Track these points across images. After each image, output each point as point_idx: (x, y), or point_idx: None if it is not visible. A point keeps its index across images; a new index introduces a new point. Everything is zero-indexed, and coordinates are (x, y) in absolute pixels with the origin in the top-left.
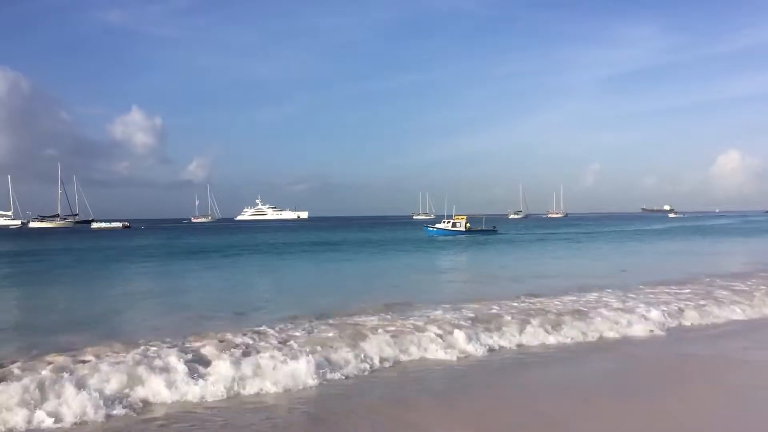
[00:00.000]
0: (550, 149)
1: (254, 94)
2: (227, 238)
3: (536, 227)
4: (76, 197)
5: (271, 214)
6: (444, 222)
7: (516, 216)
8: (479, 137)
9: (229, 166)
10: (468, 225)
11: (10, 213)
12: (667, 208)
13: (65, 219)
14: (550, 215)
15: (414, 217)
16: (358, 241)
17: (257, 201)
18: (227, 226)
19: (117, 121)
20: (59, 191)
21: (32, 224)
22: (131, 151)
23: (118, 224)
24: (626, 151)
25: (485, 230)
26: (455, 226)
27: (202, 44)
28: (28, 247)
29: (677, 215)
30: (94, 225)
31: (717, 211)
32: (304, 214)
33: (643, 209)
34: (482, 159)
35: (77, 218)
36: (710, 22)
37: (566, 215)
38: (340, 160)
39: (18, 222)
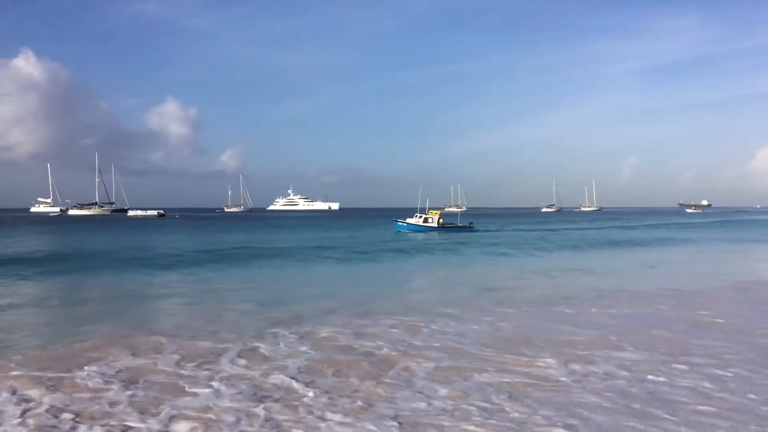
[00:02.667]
0: (583, 143)
1: (286, 86)
2: (268, 235)
3: (551, 222)
4: (113, 186)
5: (303, 205)
6: (416, 217)
7: (549, 210)
8: (511, 130)
9: (261, 156)
10: (441, 221)
11: (49, 200)
12: (705, 203)
13: (102, 207)
14: (582, 209)
15: (445, 209)
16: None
17: (289, 191)
18: (260, 216)
19: (153, 111)
20: (97, 180)
21: (71, 212)
22: (166, 141)
23: (153, 213)
24: (663, 144)
25: (460, 227)
26: (427, 222)
27: (236, 35)
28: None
29: (696, 210)
30: (130, 213)
31: (758, 207)
32: (335, 205)
33: (680, 204)
34: (514, 152)
35: (114, 206)
36: (749, 13)
37: (600, 209)
38: (371, 152)
39: (57, 209)
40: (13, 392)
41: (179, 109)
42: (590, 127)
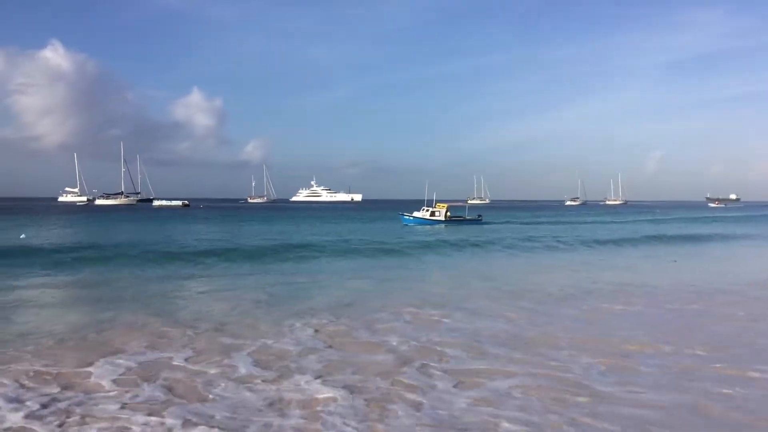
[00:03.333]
0: (609, 136)
1: (310, 77)
2: (289, 226)
3: (573, 215)
4: (139, 176)
5: (326, 196)
6: (423, 210)
7: (573, 203)
8: (536, 122)
9: (284, 147)
10: (448, 214)
11: (76, 190)
12: (732, 197)
13: (128, 197)
14: (608, 202)
15: (468, 202)
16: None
17: (312, 183)
18: (283, 207)
19: (178, 102)
20: (123, 170)
21: (98, 201)
22: (191, 132)
23: (178, 203)
24: (690, 138)
25: (468, 219)
26: (434, 215)
27: (261, 27)
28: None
29: (719, 205)
30: (156, 203)
31: None
32: (358, 197)
33: (707, 198)
34: (539, 144)
35: (139, 196)
36: None
37: (625, 203)
38: (394, 144)
39: (84, 199)
40: (21, 386)
41: (204, 100)
42: (615, 120)
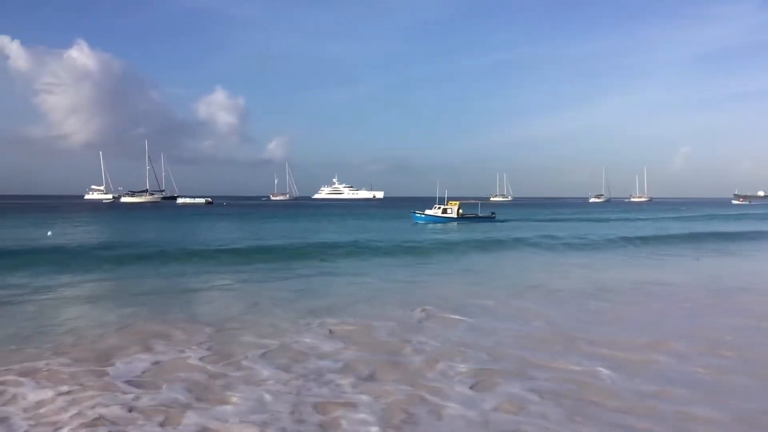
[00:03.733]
0: (634, 131)
1: (332, 74)
2: (311, 224)
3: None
4: (163, 174)
5: (347, 194)
6: (435, 208)
7: (597, 200)
8: (560, 118)
9: (307, 145)
10: (460, 211)
11: (102, 188)
12: (761, 194)
13: (153, 194)
14: (632, 199)
15: (491, 199)
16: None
17: (334, 180)
18: (305, 204)
19: (202, 101)
20: (147, 168)
21: (123, 199)
22: (215, 130)
23: (202, 200)
24: (718, 134)
25: (481, 217)
26: (446, 213)
27: (283, 24)
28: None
29: (743, 202)
30: (180, 200)
31: None
32: (379, 194)
33: (735, 195)
34: (563, 141)
35: (164, 194)
36: None
37: (650, 200)
38: (416, 141)
39: (110, 196)
40: (37, 384)
41: (227, 98)
42: (641, 116)
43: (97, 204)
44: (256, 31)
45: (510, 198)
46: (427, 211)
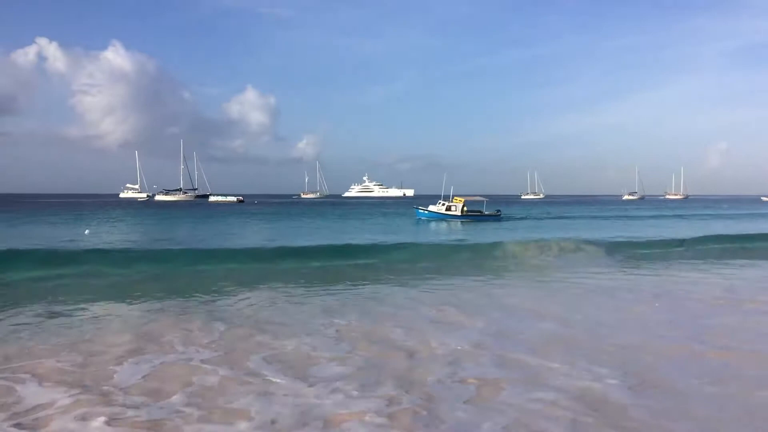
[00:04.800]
0: (670, 127)
1: (363, 73)
2: (339, 223)
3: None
4: (196, 172)
5: (378, 192)
6: (439, 204)
7: (631, 197)
8: (593, 115)
9: (337, 143)
10: (465, 209)
11: (137, 186)
12: None
13: (186, 193)
14: (668, 197)
15: (522, 197)
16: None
17: (364, 178)
18: (335, 202)
19: (233, 100)
20: (181, 167)
21: (157, 197)
22: (246, 129)
23: (233, 198)
24: (758, 129)
25: (486, 215)
26: (450, 210)
27: (313, 23)
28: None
29: None
30: (212, 199)
31: None
32: (409, 192)
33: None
34: (596, 137)
35: (196, 192)
36: None
37: (686, 197)
38: (448, 138)
39: (144, 195)
40: (40, 383)
41: (259, 97)
42: (676, 111)
43: (131, 202)
44: (287, 30)
45: (542, 196)
46: (431, 207)
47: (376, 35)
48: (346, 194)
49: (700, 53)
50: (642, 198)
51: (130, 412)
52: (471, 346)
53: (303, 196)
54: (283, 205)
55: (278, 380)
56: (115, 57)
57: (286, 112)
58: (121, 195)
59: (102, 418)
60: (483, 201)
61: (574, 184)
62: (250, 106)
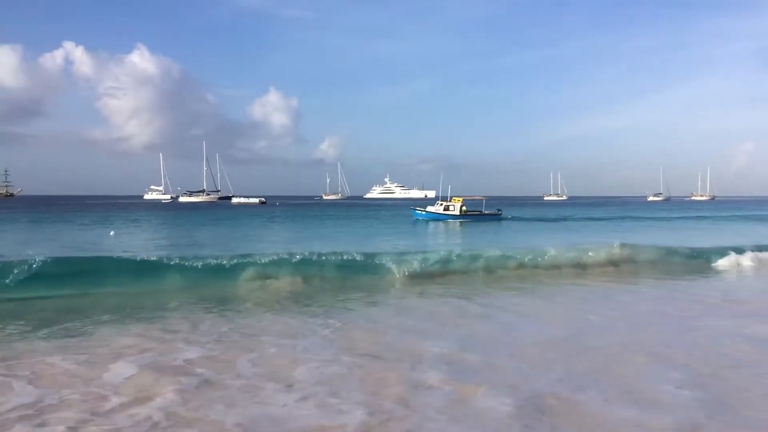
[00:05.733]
0: (695, 127)
1: (383, 74)
2: (363, 228)
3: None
4: (218, 174)
5: (399, 193)
6: (437, 204)
7: (655, 198)
8: (615, 115)
9: (359, 144)
10: (464, 209)
11: (161, 188)
12: None
13: (209, 195)
14: (693, 198)
15: (545, 198)
16: None
17: (386, 179)
18: (356, 204)
19: (256, 102)
20: (204, 168)
21: (181, 199)
22: (268, 131)
23: (256, 200)
24: None
25: (486, 215)
26: (448, 210)
27: (336, 25)
28: None
29: None
30: (234, 200)
31: None
32: (431, 193)
33: None
34: (619, 138)
35: (219, 194)
36: None
37: (713, 198)
38: (469, 139)
39: (168, 196)
40: (29, 382)
41: (281, 99)
42: (701, 111)
43: (156, 204)
44: (309, 32)
45: (564, 197)
46: (429, 208)
47: (397, 36)
48: (368, 195)
49: (726, 52)
50: (667, 199)
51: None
52: None
53: (324, 197)
54: (306, 207)
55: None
56: (140, 60)
57: (308, 113)
58: (146, 197)
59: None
60: (482, 200)
61: (597, 185)
62: (272, 108)
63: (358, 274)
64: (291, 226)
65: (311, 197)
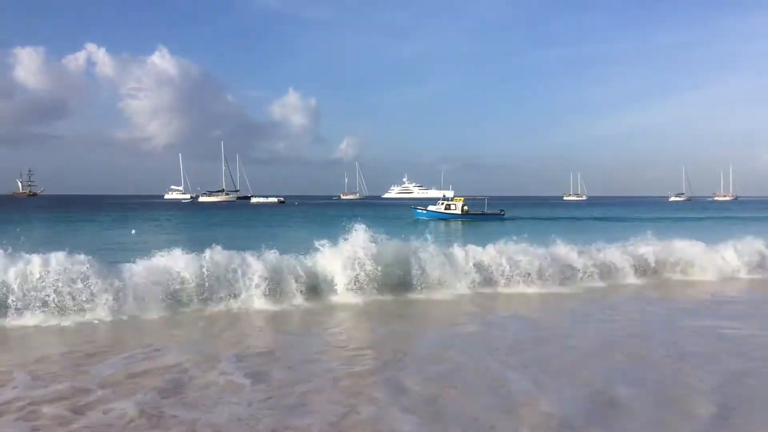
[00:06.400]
0: (718, 126)
1: (402, 74)
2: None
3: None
4: (238, 174)
5: (417, 193)
6: (439, 203)
7: (677, 198)
8: (637, 114)
9: (377, 144)
10: (465, 208)
11: (181, 188)
12: None
13: (228, 194)
14: (716, 198)
15: (565, 198)
16: None
17: (404, 179)
18: (373, 203)
19: (275, 102)
20: (223, 168)
21: (201, 198)
22: (287, 131)
23: (274, 200)
24: None
25: (488, 215)
26: (449, 209)
27: (354, 25)
28: None
29: None
30: (253, 200)
31: None
32: (449, 193)
33: None
34: (641, 137)
35: (238, 193)
36: None
37: (736, 198)
38: (488, 139)
39: (188, 196)
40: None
41: (300, 100)
42: (725, 110)
43: (176, 203)
44: (328, 33)
45: (584, 197)
46: (430, 207)
47: (416, 36)
48: (386, 195)
49: (752, 50)
50: (689, 199)
51: None
52: None
53: (343, 197)
54: (324, 206)
55: None
56: (161, 61)
57: (326, 113)
58: (166, 196)
59: None
60: (485, 200)
61: (618, 185)
62: (291, 109)
63: None
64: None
65: (329, 197)
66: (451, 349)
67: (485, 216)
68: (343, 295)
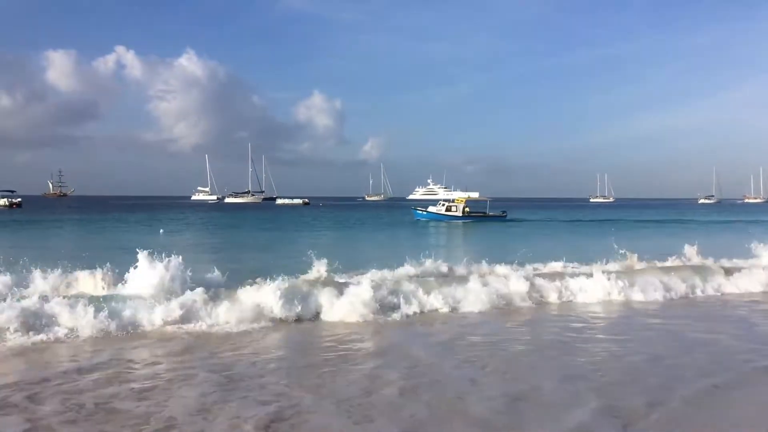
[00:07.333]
0: (750, 127)
1: (428, 75)
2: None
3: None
4: (263, 175)
5: (442, 194)
6: (440, 204)
7: (707, 201)
8: (667, 115)
9: (402, 146)
10: (467, 209)
11: (207, 189)
12: None
13: (254, 195)
14: (746, 200)
15: (591, 200)
16: None
17: (429, 181)
18: (398, 205)
19: (300, 104)
20: (249, 170)
21: (227, 200)
22: (312, 132)
23: (299, 201)
24: None
25: (490, 216)
26: (450, 210)
27: (381, 26)
28: None
29: None
30: (279, 201)
31: None
32: (474, 195)
33: None
34: (669, 139)
35: (264, 195)
36: None
37: (767, 201)
38: (514, 140)
39: (214, 197)
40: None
41: (325, 101)
42: (757, 111)
43: (203, 204)
44: (354, 34)
45: (612, 199)
46: (430, 208)
47: (441, 37)
48: (410, 197)
49: None
50: (719, 202)
51: None
52: None
53: (367, 198)
54: (349, 208)
55: None
56: (189, 64)
57: (351, 115)
58: (193, 197)
59: None
60: (487, 201)
61: (645, 187)
62: (316, 110)
63: None
64: (291, 227)
65: (354, 198)
66: None
67: (487, 218)
68: None
